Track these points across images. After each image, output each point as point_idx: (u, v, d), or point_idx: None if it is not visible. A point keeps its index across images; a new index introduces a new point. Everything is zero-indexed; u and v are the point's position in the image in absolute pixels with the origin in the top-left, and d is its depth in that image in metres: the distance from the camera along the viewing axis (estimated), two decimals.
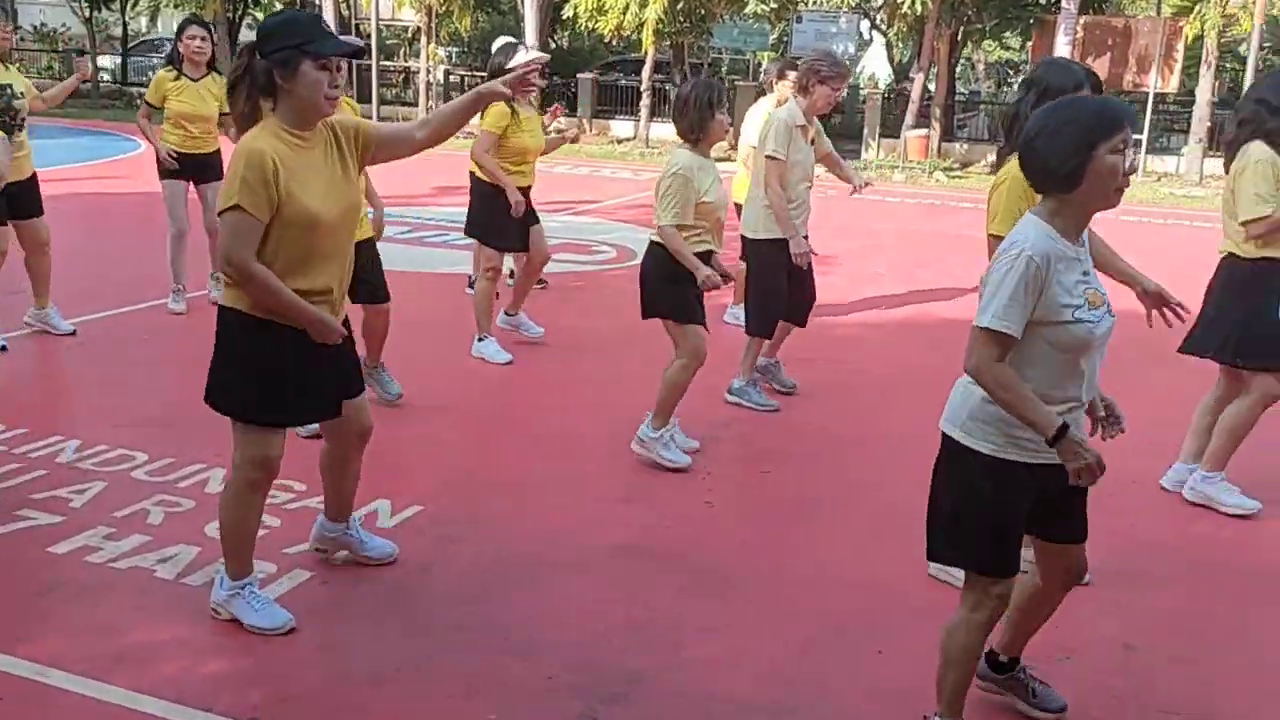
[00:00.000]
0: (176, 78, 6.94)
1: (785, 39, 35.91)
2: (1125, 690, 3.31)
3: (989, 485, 2.68)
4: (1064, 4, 17.56)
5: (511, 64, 5.96)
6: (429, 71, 23.68)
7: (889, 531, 4.30)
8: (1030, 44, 19.89)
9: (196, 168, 7.07)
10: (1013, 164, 3.58)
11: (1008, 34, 21.18)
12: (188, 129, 6.94)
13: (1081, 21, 17.88)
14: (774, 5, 17.43)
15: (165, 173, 7.05)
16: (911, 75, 28.35)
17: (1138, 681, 3.36)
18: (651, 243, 4.93)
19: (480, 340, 6.43)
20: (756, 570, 3.99)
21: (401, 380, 5.60)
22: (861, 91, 33.96)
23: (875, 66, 42.96)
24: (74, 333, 6.55)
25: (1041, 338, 2.58)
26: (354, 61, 24.02)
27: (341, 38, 3.41)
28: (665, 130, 21.81)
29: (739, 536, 4.31)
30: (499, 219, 6.25)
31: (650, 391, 4.94)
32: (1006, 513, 2.71)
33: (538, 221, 6.50)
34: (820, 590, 3.85)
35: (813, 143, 5.83)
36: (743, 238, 5.90)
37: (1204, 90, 17.65)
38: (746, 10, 17.64)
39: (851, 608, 3.74)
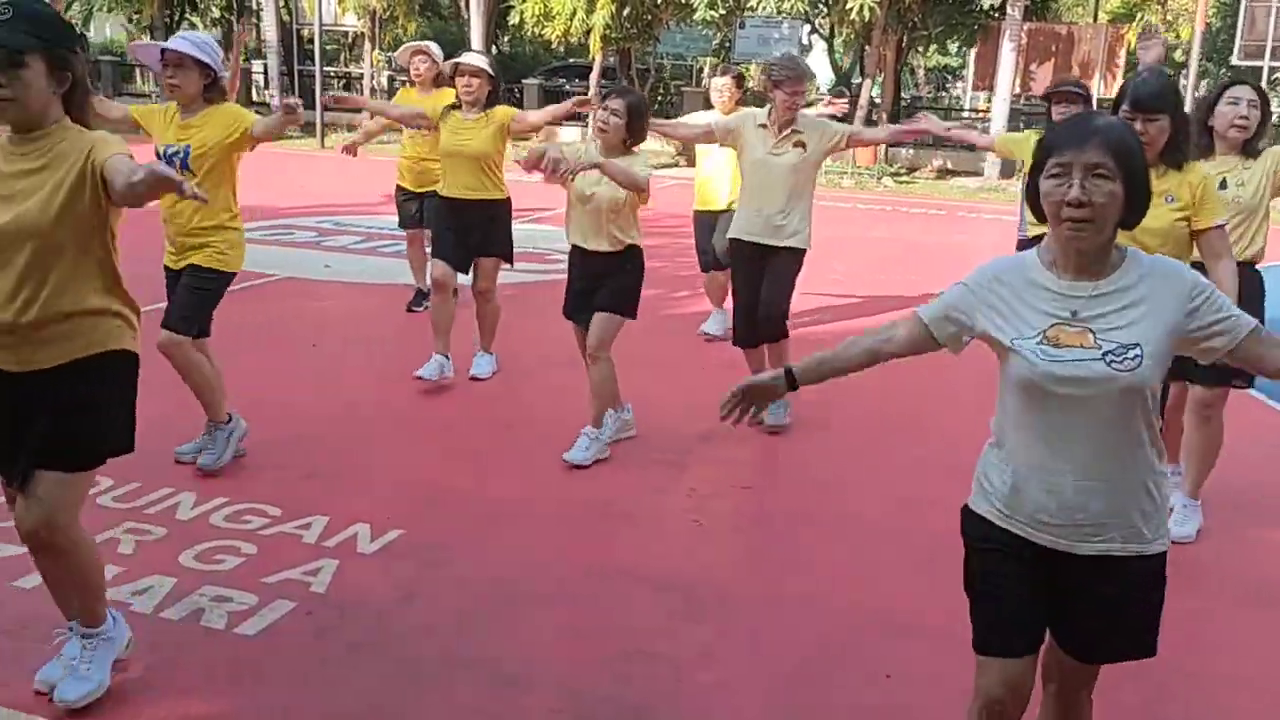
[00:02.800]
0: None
1: (727, 44, 36.23)
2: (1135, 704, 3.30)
3: (965, 538, 2.47)
4: (1009, 10, 17.80)
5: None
6: (373, 77, 23.39)
7: (877, 550, 4.27)
8: (974, 50, 20.17)
9: None
10: None
11: (952, 40, 21.35)
12: None
13: (1025, 28, 18.13)
14: (721, 12, 17.40)
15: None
16: (853, 80, 28.69)
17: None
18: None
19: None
20: (750, 592, 3.93)
21: (364, 394, 5.48)
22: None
23: (816, 72, 43.30)
24: None
25: (1003, 368, 2.37)
26: (296, 67, 23.81)
27: None
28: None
29: (729, 556, 4.26)
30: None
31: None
32: (978, 575, 2.42)
33: None
34: (818, 613, 3.80)
35: (799, 145, 5.54)
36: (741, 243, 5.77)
37: None
38: (695, 17, 17.60)
39: (850, 631, 3.69)
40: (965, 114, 24.67)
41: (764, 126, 5.59)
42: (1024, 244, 6.24)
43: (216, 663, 3.29)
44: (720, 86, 7.04)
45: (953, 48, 30.47)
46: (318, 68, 21.64)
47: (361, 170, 17.40)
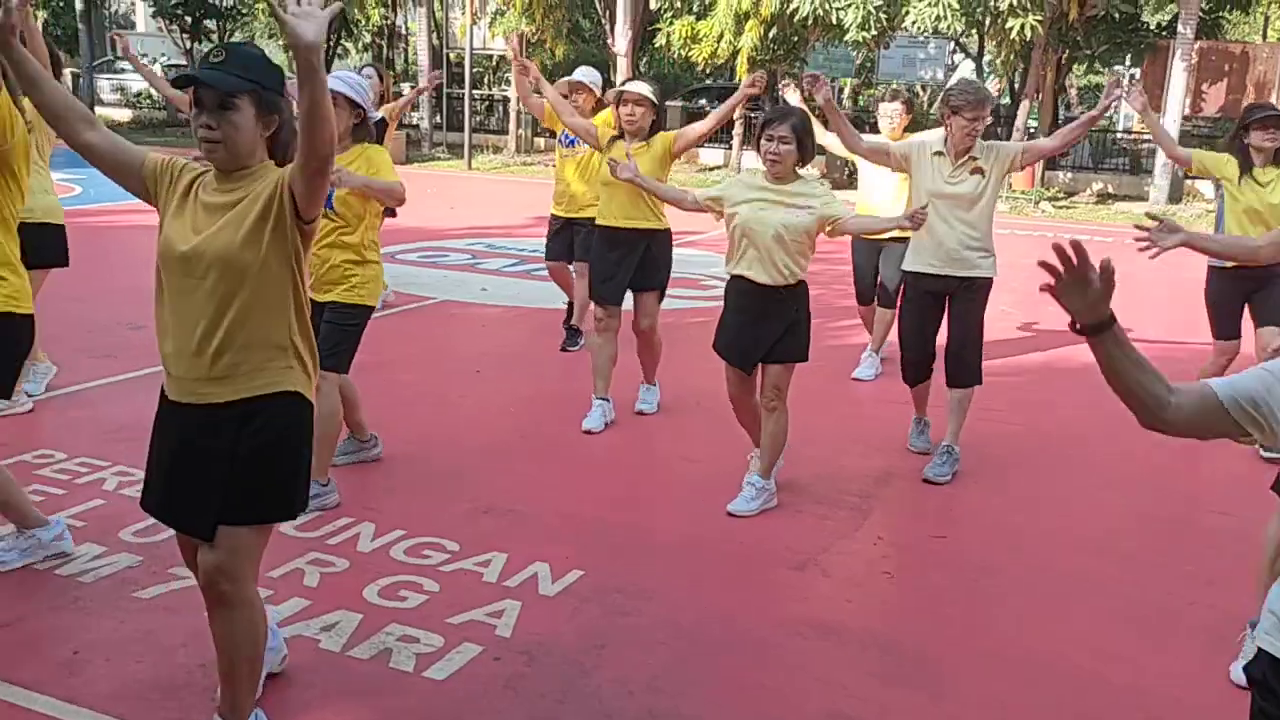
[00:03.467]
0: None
1: (869, 65, 35.62)
2: None
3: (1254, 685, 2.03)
4: (1180, 28, 16.99)
5: None
6: (520, 100, 23.72)
7: (1095, 611, 3.96)
8: (1141, 70, 19.31)
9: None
10: None
11: (1116, 59, 20.51)
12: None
13: (1197, 47, 17.28)
14: (874, 32, 17.02)
15: None
16: (1002, 100, 27.83)
17: None
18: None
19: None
20: (963, 655, 3.66)
21: (529, 424, 5.37)
22: None
23: None
24: None
25: None
26: (443, 90, 24.30)
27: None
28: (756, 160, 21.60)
29: (932, 614, 3.98)
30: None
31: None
32: None
33: None
34: (1041, 681, 3.50)
35: (977, 172, 5.27)
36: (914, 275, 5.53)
37: None
38: (847, 38, 17.28)
39: (1084, 704, 3.40)
40: (1119, 133, 23.61)
41: (940, 154, 5.35)
42: (1216, 275, 5.81)
43: (410, 709, 3.19)
44: (891, 112, 6.75)
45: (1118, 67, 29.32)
46: (466, 91, 22.06)
47: (508, 191, 17.67)
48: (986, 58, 27.06)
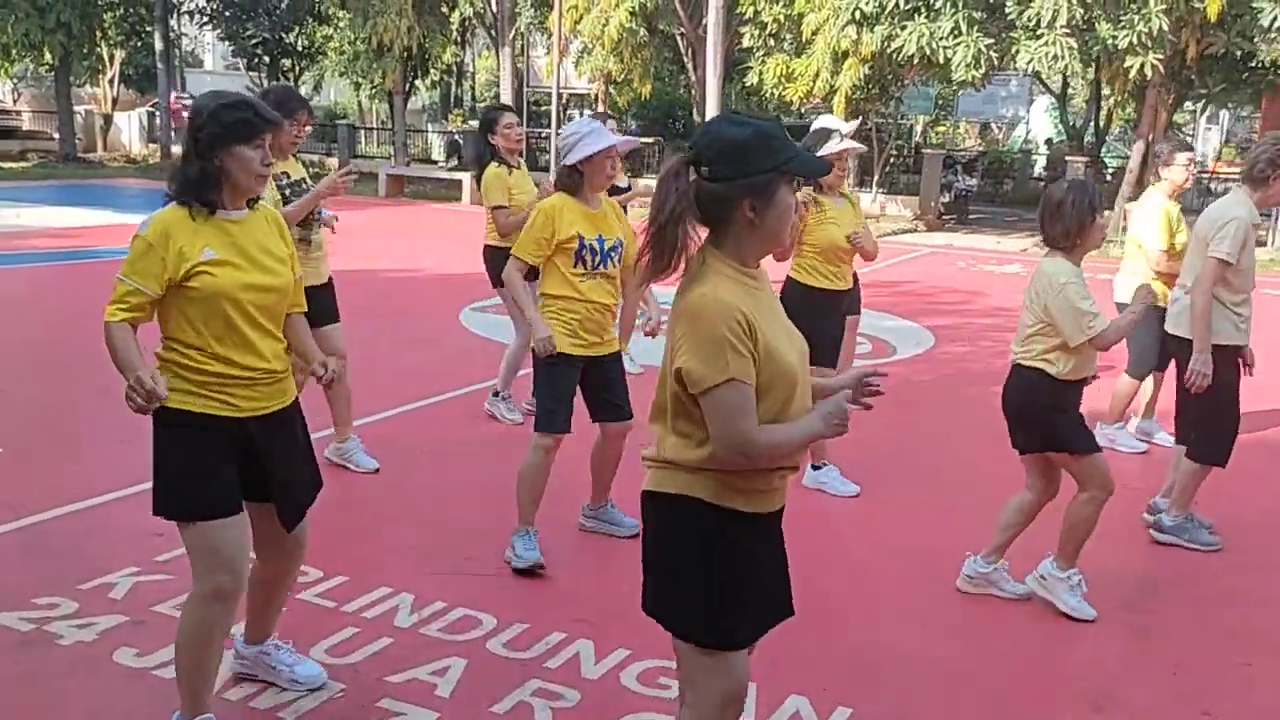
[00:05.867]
0: (508, 171, 6.39)
1: (945, 102, 34.97)
2: None
3: None
4: None
5: (822, 151, 5.19)
6: None
7: None
8: (1260, 109, 18.55)
9: None
10: None
11: (1233, 100, 19.76)
12: None
13: None
14: (983, 70, 16.41)
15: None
16: (1085, 138, 27.06)
17: None
18: (1022, 367, 4.31)
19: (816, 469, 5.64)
20: None
21: None
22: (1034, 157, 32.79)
23: (1038, 128, 41.55)
24: (377, 470, 5.62)
25: None
26: (526, 129, 24.05)
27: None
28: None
29: None
30: None
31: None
32: None
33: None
34: None
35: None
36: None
37: None
38: (956, 78, 16.70)
39: None
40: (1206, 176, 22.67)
41: (1255, 225, 4.94)
42: None
43: None
44: (1184, 162, 6.16)
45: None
46: (553, 131, 21.73)
47: None
48: (1072, 95, 26.29)
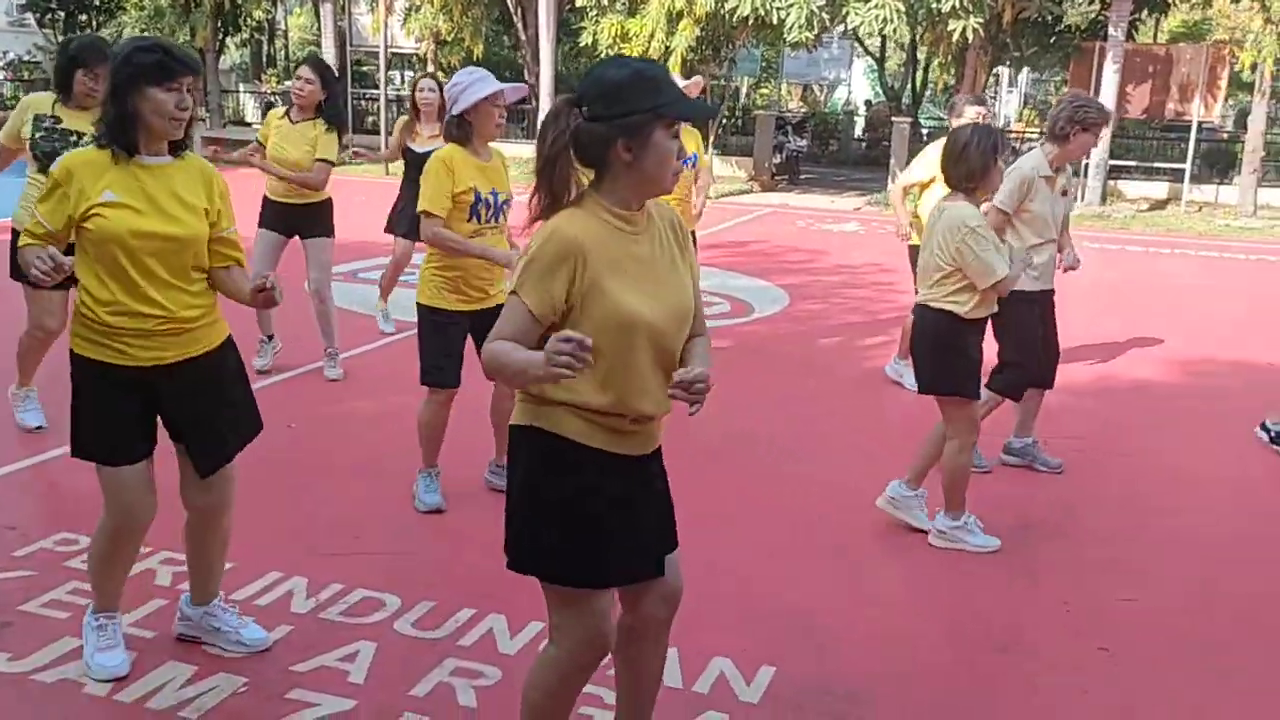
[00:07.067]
0: (282, 117, 6.50)
1: (770, 64, 35.56)
2: None
3: None
4: (1112, 31, 17.15)
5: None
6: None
7: None
8: (1067, 72, 19.51)
9: (297, 219, 6.53)
10: None
11: (1042, 62, 20.73)
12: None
13: (1122, 49, 17.46)
14: (815, 32, 16.70)
15: (264, 221, 6.54)
16: (903, 100, 28.03)
17: None
18: (928, 308, 4.43)
19: None
20: None
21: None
22: (857, 117, 33.70)
23: (858, 90, 42.78)
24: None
25: None
26: (350, 90, 23.19)
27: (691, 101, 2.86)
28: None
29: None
30: None
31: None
32: None
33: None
34: None
35: (1065, 193, 5.36)
36: None
37: (1257, 120, 17.30)
38: (789, 38, 16.90)
39: None
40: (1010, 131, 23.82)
41: (1048, 178, 5.22)
42: None
43: None
44: (974, 115, 6.36)
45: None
46: (383, 92, 21.05)
47: None
48: (931, 58, 26.95)
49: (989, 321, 4.50)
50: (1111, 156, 18.32)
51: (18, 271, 5.02)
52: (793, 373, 7.38)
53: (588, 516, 2.45)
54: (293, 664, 3.42)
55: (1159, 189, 19.30)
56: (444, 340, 4.50)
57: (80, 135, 4.88)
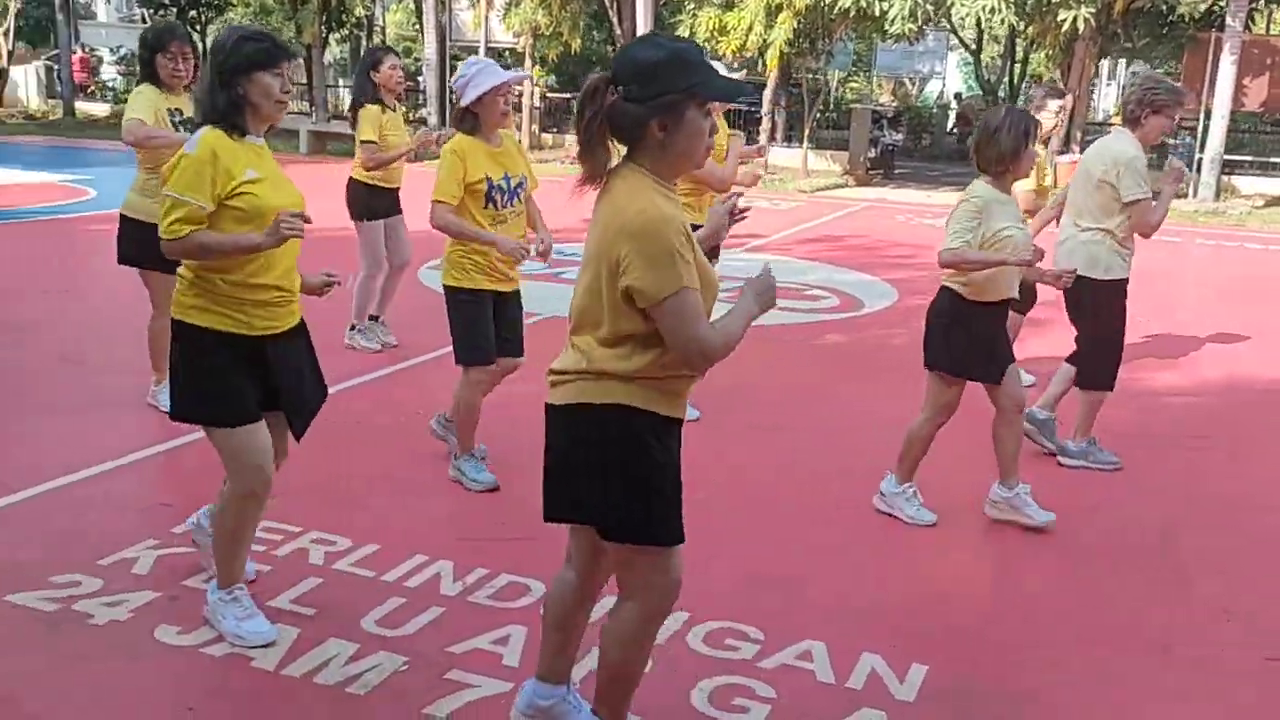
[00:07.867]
0: (383, 110, 6.68)
1: (863, 57, 35.15)
2: None
3: None
4: (1228, 21, 16.62)
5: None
6: (531, 95, 23.01)
7: None
8: (1181, 63, 18.97)
9: (395, 201, 6.93)
10: None
11: (1155, 53, 20.18)
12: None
13: (1239, 40, 16.90)
14: (919, 23, 16.48)
15: (379, 212, 6.79)
16: (1000, 94, 27.42)
17: None
18: (942, 287, 4.52)
19: None
20: None
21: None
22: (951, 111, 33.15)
23: (950, 83, 42.12)
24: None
25: None
26: (446, 86, 23.44)
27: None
28: (785, 155, 21.00)
29: None
30: None
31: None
32: None
33: None
34: None
35: None
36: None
37: None
38: (891, 30, 16.71)
39: None
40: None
41: None
42: None
43: None
44: (1055, 109, 6.29)
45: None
46: None
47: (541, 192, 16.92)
48: (1042, 51, 26.40)
49: (1005, 311, 4.51)
50: (1226, 151, 17.77)
51: (131, 257, 5.23)
52: (912, 366, 7.27)
53: (674, 479, 2.62)
54: (448, 645, 3.47)
55: (1276, 185, 18.67)
56: (479, 318, 4.66)
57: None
